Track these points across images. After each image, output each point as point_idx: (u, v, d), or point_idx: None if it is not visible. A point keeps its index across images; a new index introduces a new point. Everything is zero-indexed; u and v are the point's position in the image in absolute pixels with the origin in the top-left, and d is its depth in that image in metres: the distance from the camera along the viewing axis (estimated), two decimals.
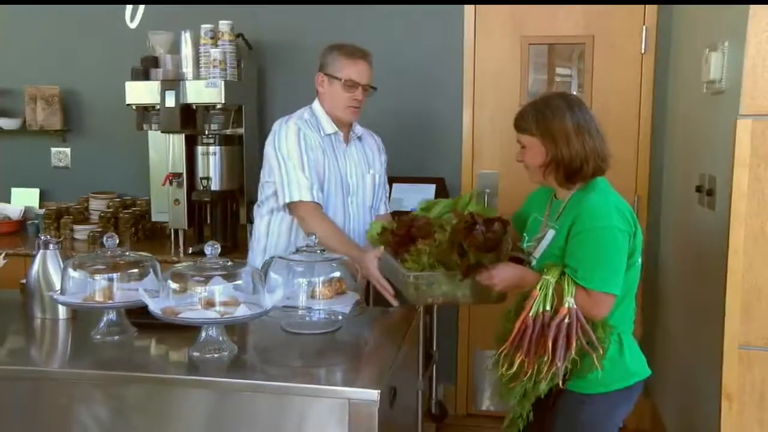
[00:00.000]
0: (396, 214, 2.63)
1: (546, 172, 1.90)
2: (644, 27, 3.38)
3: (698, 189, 2.58)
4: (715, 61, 2.37)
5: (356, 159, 2.61)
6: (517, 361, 1.78)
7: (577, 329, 1.75)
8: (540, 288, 1.78)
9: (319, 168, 2.45)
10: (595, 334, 1.80)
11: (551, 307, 1.77)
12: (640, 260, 1.91)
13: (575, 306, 1.76)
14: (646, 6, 3.37)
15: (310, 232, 2.07)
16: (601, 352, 1.79)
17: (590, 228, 1.80)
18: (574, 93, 3.50)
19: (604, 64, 3.44)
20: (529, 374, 1.79)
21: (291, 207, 2.43)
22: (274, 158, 2.43)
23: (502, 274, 1.83)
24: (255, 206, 2.65)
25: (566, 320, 1.75)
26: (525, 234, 2.07)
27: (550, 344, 1.74)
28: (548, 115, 1.87)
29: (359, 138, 2.66)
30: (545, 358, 1.75)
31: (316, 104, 2.56)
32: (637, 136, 3.44)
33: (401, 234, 2.03)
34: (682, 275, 2.99)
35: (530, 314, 1.77)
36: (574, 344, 1.75)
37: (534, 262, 1.95)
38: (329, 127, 2.51)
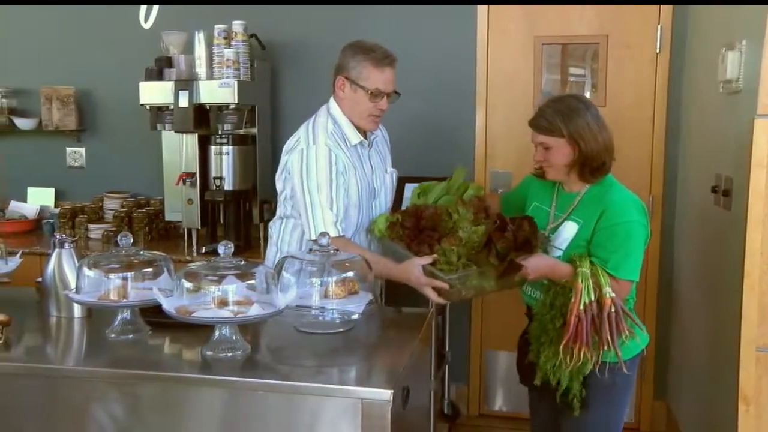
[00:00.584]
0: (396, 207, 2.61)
1: (570, 171, 2.04)
2: (659, 26, 3.36)
3: (714, 189, 2.56)
4: (732, 61, 2.35)
5: (377, 162, 2.52)
6: (580, 352, 1.91)
7: (622, 315, 1.94)
8: (581, 281, 1.92)
9: (350, 187, 2.32)
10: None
11: (595, 298, 1.92)
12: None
13: (614, 295, 1.93)
14: (661, 5, 3.34)
15: None
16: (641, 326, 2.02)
17: (618, 223, 1.97)
18: (588, 93, 3.48)
19: (618, 64, 3.42)
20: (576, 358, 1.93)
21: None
22: (299, 187, 2.28)
23: (534, 266, 1.97)
24: (277, 216, 2.52)
25: (612, 310, 1.92)
26: None
27: (606, 334, 1.91)
28: (572, 116, 1.99)
29: (376, 137, 2.57)
30: (602, 345, 1.92)
31: (335, 110, 2.38)
32: (652, 136, 3.41)
33: (410, 226, 2.09)
34: (697, 276, 2.97)
35: (580, 307, 1.91)
36: (625, 329, 1.93)
37: (555, 252, 2.06)
38: (354, 137, 2.37)
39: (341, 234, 2.26)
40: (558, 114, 2.00)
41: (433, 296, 2.10)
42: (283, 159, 2.40)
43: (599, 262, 1.97)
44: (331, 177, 2.26)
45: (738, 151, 2.27)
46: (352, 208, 2.33)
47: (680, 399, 3.23)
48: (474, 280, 2.00)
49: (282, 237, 2.49)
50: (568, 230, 2.04)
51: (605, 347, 1.92)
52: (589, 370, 1.98)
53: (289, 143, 2.40)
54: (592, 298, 1.91)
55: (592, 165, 2.01)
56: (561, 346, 1.93)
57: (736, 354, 2.16)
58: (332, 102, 2.41)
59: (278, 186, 2.45)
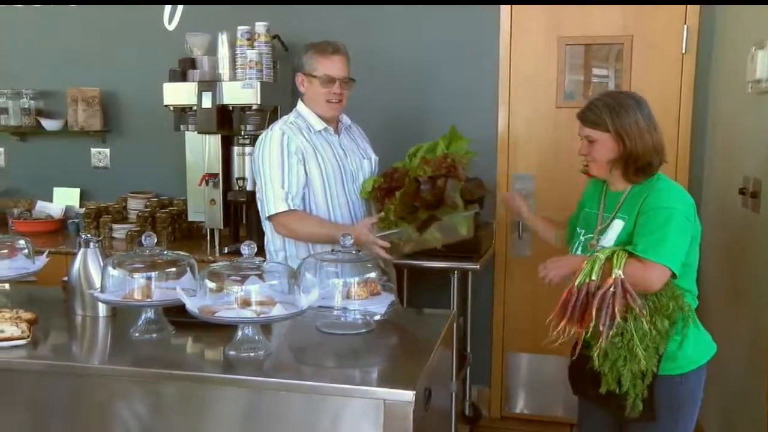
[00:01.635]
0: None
1: (613, 167, 1.99)
2: (685, 26, 3.31)
3: (742, 191, 2.53)
4: (763, 60, 2.31)
5: (351, 147, 2.65)
6: (561, 327, 1.84)
7: (624, 297, 1.80)
8: (587, 262, 1.86)
9: (311, 167, 2.47)
10: (676, 314, 1.88)
11: (597, 278, 1.83)
12: (698, 249, 2.01)
13: (622, 276, 1.81)
14: (688, 5, 3.30)
15: (301, 237, 2.32)
16: (646, 315, 1.84)
17: (655, 207, 1.91)
18: None
19: (642, 65, 3.38)
20: (623, 357, 1.84)
21: (271, 221, 2.49)
22: (258, 172, 2.50)
23: (554, 266, 1.96)
24: (262, 219, 2.62)
25: (611, 289, 1.80)
26: (579, 228, 2.12)
27: (594, 311, 1.79)
28: (622, 113, 1.94)
29: (348, 127, 2.71)
30: (593, 325, 1.81)
31: (300, 105, 2.59)
32: (677, 137, 3.37)
33: (385, 188, 2.26)
34: (724, 277, 2.93)
35: (576, 284, 1.84)
36: (619, 312, 1.79)
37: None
38: (318, 124, 2.54)
39: (292, 208, 2.42)
40: (607, 108, 1.96)
41: (381, 253, 2.24)
42: None
43: (631, 247, 1.89)
44: (282, 157, 2.43)
45: (767, 152, 2.24)
46: (317, 186, 2.49)
47: (706, 401, 3.18)
48: (413, 235, 2.14)
49: (287, 239, 2.55)
50: (615, 228, 1.99)
51: (589, 324, 1.81)
52: (649, 367, 1.86)
53: None
54: (593, 278, 1.83)
55: (636, 164, 1.96)
56: (548, 320, 1.88)
57: (764, 356, 2.12)
58: (299, 101, 2.62)
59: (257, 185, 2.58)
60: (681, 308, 1.90)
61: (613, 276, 1.82)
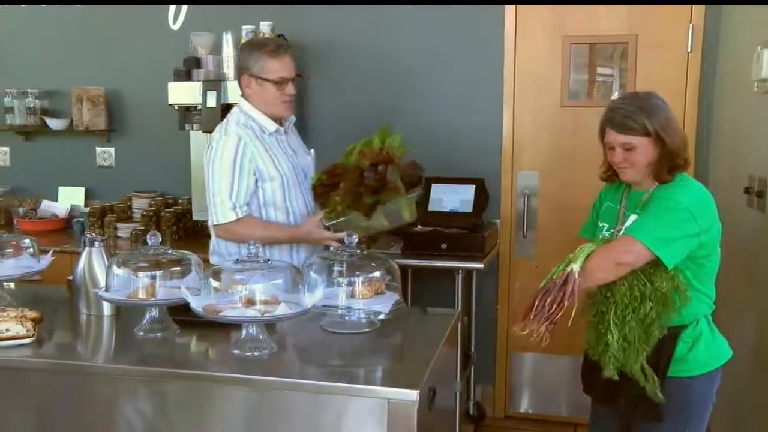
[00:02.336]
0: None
1: (651, 170, 1.95)
2: (691, 25, 3.30)
3: (747, 191, 2.52)
4: None
5: (297, 144, 2.64)
6: (531, 325, 1.87)
7: (561, 291, 1.83)
8: (560, 263, 1.88)
9: (269, 169, 2.44)
10: (674, 303, 1.86)
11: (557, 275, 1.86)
12: (719, 251, 1.98)
13: (576, 270, 1.83)
14: (693, 5, 3.29)
15: (244, 242, 2.24)
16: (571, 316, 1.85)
17: (660, 198, 1.91)
18: (615, 94, 3.45)
19: (647, 64, 3.37)
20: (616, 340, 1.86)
21: (217, 229, 2.47)
22: (207, 176, 2.44)
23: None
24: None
25: (557, 283, 1.84)
26: (600, 221, 2.10)
27: (548, 302, 1.83)
28: (655, 112, 1.93)
29: (292, 125, 2.67)
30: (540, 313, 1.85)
31: (247, 106, 2.49)
32: None
33: (328, 184, 2.33)
34: (728, 277, 2.91)
35: (541, 285, 1.87)
36: (564, 303, 1.82)
37: None
38: (271, 125, 2.48)
39: (240, 216, 2.41)
40: (642, 112, 1.92)
41: (336, 244, 2.29)
42: None
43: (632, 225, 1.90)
44: (234, 164, 2.39)
45: None
46: (276, 188, 2.45)
47: (715, 406, 3.17)
48: (362, 223, 2.24)
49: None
50: (629, 222, 1.96)
51: (541, 316, 1.84)
52: (654, 340, 1.86)
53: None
54: (553, 277, 1.86)
55: (672, 162, 1.93)
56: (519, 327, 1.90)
57: None
58: (242, 101, 2.52)
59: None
60: (677, 288, 1.87)
61: (567, 271, 1.84)
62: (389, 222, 2.32)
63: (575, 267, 1.85)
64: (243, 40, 3.38)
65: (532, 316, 1.86)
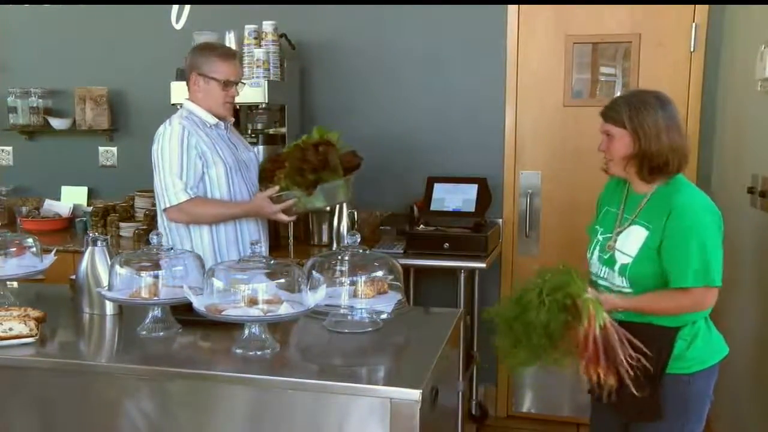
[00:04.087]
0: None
1: (628, 165, 1.96)
2: (694, 24, 3.30)
3: (750, 190, 2.51)
4: None
5: (237, 140, 2.73)
6: (597, 372, 1.80)
7: (624, 339, 1.80)
8: (592, 306, 1.80)
9: (214, 161, 2.53)
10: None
11: (604, 322, 1.80)
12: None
13: (609, 321, 1.80)
14: (696, 4, 3.28)
15: (204, 220, 2.51)
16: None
17: (681, 228, 1.87)
18: (618, 93, 3.44)
19: (650, 63, 3.37)
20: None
21: (171, 211, 2.52)
22: (156, 164, 2.53)
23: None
24: (159, 214, 2.64)
25: (615, 334, 1.80)
26: (598, 226, 2.09)
27: (621, 354, 1.78)
28: (641, 110, 1.92)
29: (231, 124, 2.75)
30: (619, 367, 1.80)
31: (190, 104, 2.61)
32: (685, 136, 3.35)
33: (270, 168, 2.61)
34: (730, 276, 2.91)
35: (597, 332, 1.79)
36: (630, 351, 1.79)
37: (623, 259, 1.95)
38: (210, 119, 2.59)
39: (192, 196, 2.50)
40: (626, 104, 1.94)
41: (283, 218, 2.54)
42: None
43: (668, 271, 1.88)
44: (182, 149, 2.49)
45: None
46: (221, 177, 2.55)
47: (717, 405, 3.17)
48: (303, 200, 2.49)
49: (216, 232, 2.58)
50: (636, 236, 1.95)
51: (623, 364, 1.79)
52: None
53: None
54: (602, 323, 1.80)
55: (651, 163, 1.92)
56: (581, 369, 1.83)
57: None
58: (185, 102, 2.64)
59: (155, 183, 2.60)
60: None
61: (607, 322, 1.79)
62: (327, 201, 2.56)
63: (606, 317, 1.80)
64: (246, 40, 3.39)
65: (619, 370, 1.80)
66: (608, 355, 1.80)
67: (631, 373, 1.79)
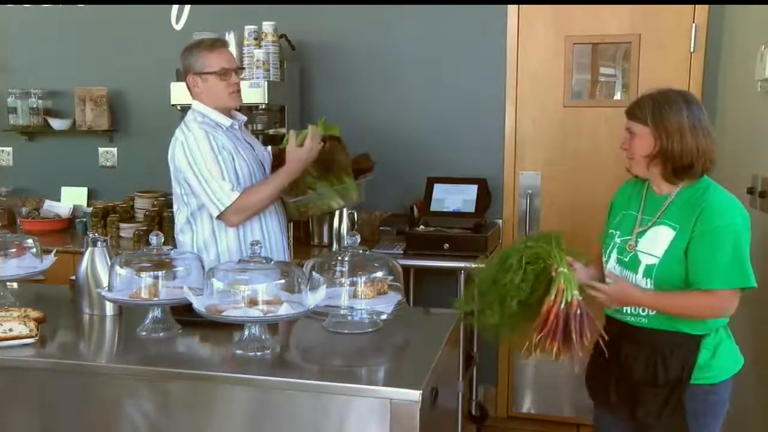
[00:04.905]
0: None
1: (651, 164, 1.92)
2: (694, 25, 3.30)
3: (750, 191, 2.51)
4: None
5: (251, 140, 2.69)
6: (552, 348, 1.82)
7: (586, 320, 1.80)
8: (563, 281, 1.82)
9: (239, 162, 2.48)
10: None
11: (571, 299, 1.81)
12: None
13: (579, 298, 1.81)
14: (696, 4, 3.28)
15: (261, 206, 2.46)
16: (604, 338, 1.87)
17: (712, 229, 1.83)
18: (618, 94, 3.44)
19: (650, 64, 3.37)
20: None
21: (228, 214, 2.44)
22: (191, 174, 2.43)
23: (614, 294, 1.88)
24: (184, 222, 2.59)
25: (578, 312, 1.80)
26: (614, 230, 2.04)
27: (574, 335, 1.79)
28: (665, 109, 1.88)
29: (242, 123, 2.70)
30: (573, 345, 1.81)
31: (198, 106, 2.53)
32: None
33: (275, 165, 2.58)
34: None
35: (561, 306, 1.81)
36: (587, 334, 1.80)
37: (649, 260, 1.91)
38: (225, 120, 2.53)
39: (241, 192, 2.42)
40: (651, 102, 1.90)
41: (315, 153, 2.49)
42: (171, 161, 2.54)
43: (693, 271, 1.84)
44: (214, 153, 2.42)
45: None
46: (245, 178, 2.49)
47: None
48: (318, 202, 2.52)
49: (218, 235, 2.52)
50: (663, 236, 1.89)
51: (576, 346, 1.80)
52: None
53: (170, 149, 2.55)
54: (569, 299, 1.81)
55: (675, 164, 1.88)
56: (535, 340, 1.84)
57: None
58: (194, 102, 2.57)
59: (176, 191, 2.57)
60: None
61: (575, 299, 1.80)
62: (344, 201, 2.59)
63: (576, 294, 1.81)
64: (246, 40, 3.39)
65: (576, 347, 1.81)
66: (565, 332, 1.80)
67: (581, 355, 1.80)
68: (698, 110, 1.90)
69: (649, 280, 1.89)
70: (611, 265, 1.99)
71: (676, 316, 1.87)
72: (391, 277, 1.98)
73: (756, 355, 2.54)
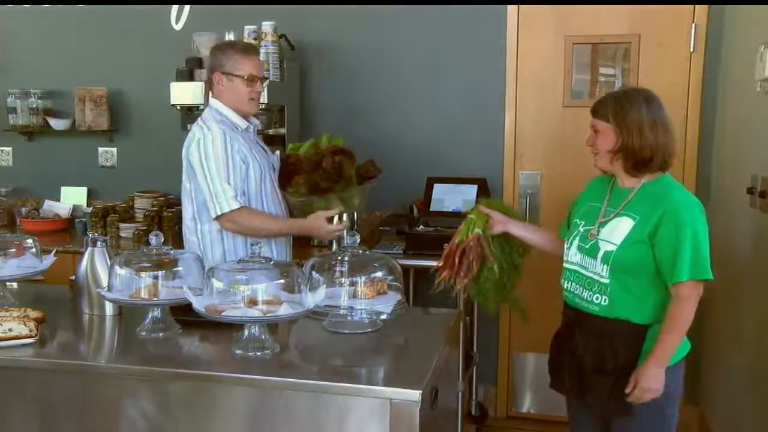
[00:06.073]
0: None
1: (614, 159, 2.03)
2: (694, 25, 3.30)
3: (750, 191, 2.52)
4: None
5: (262, 144, 2.72)
6: (444, 276, 2.20)
7: (479, 250, 2.19)
8: (466, 224, 2.22)
9: (253, 165, 2.51)
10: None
11: (470, 235, 2.20)
12: None
13: (480, 233, 2.20)
14: (696, 4, 3.29)
15: (256, 233, 2.46)
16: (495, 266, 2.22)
17: (678, 225, 1.91)
18: None
19: (650, 64, 3.37)
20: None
21: (222, 218, 2.47)
22: (200, 171, 2.46)
23: (648, 384, 1.94)
24: (190, 218, 2.60)
25: (471, 244, 2.18)
26: (578, 219, 2.14)
27: (456, 260, 2.18)
28: (626, 105, 1.99)
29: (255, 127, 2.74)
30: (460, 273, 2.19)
31: (217, 104, 2.55)
32: (685, 136, 3.35)
33: (283, 171, 2.63)
34: (731, 279, 2.91)
35: (456, 242, 2.21)
36: (474, 267, 2.18)
37: (607, 247, 2.00)
38: (241, 122, 2.57)
39: (242, 205, 2.46)
40: (613, 100, 2.02)
41: (336, 235, 2.57)
42: (185, 157, 2.54)
43: (664, 264, 1.93)
44: (227, 155, 2.45)
45: None
46: (257, 181, 2.53)
47: (714, 406, 3.17)
48: (321, 203, 2.53)
49: (225, 233, 2.53)
50: (623, 226, 2.00)
51: (462, 276, 2.17)
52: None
53: (186, 143, 2.55)
54: (466, 237, 2.19)
55: (635, 158, 1.98)
56: (432, 270, 2.24)
57: None
58: (212, 100, 2.59)
59: (186, 186, 2.58)
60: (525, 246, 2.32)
61: (474, 233, 2.17)
62: (346, 206, 2.61)
63: (479, 231, 2.18)
64: (246, 40, 3.39)
65: (462, 273, 2.17)
66: (461, 262, 2.16)
67: (466, 281, 2.18)
68: (658, 108, 2.01)
69: (606, 266, 1.99)
70: (573, 250, 2.10)
71: (682, 332, 1.95)
72: (390, 277, 1.98)
73: (757, 350, 2.55)
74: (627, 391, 1.95)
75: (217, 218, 2.47)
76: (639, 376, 1.93)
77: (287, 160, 2.62)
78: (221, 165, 2.44)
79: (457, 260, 2.18)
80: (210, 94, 2.61)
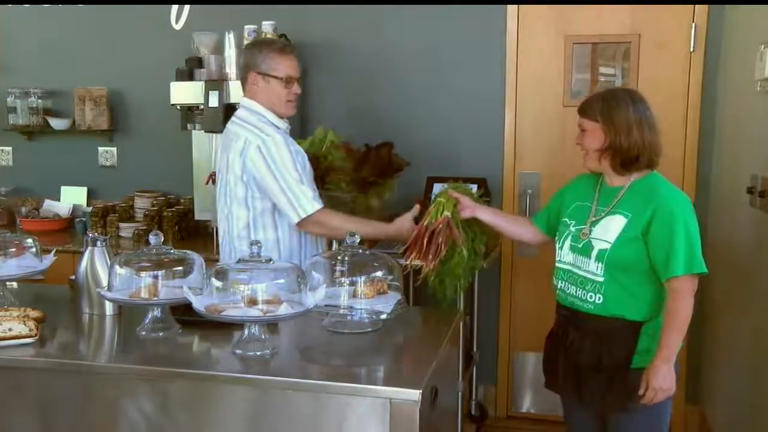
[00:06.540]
0: None
1: (602, 158, 2.06)
2: (693, 25, 3.30)
3: (750, 190, 2.51)
4: None
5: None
6: (412, 257, 2.23)
7: (448, 233, 2.21)
8: (435, 206, 2.24)
9: (307, 165, 2.49)
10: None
11: (438, 218, 2.22)
12: None
13: (449, 216, 2.22)
14: (696, 4, 3.28)
15: (340, 234, 2.27)
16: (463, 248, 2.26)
17: (669, 222, 1.94)
18: None
19: (650, 63, 3.37)
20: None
21: (306, 221, 2.38)
22: (271, 178, 2.36)
23: (659, 383, 1.94)
24: (243, 226, 2.47)
25: (440, 226, 2.20)
26: (567, 219, 2.15)
27: (425, 242, 2.20)
28: (613, 105, 2.02)
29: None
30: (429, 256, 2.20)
31: (255, 106, 2.45)
32: (684, 136, 3.35)
33: (320, 168, 2.68)
34: (731, 279, 2.91)
35: (424, 224, 2.23)
36: (442, 249, 2.19)
37: (601, 245, 2.02)
38: (281, 123, 2.48)
39: (322, 206, 2.39)
40: (600, 100, 2.05)
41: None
42: (237, 162, 2.40)
43: (658, 260, 1.94)
44: (293, 157, 2.39)
45: None
46: (311, 183, 2.47)
47: (715, 405, 3.17)
48: (359, 198, 2.65)
49: (303, 239, 2.49)
50: (615, 223, 2.02)
51: (430, 259, 2.18)
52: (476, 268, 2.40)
53: (235, 146, 2.41)
54: (434, 219, 2.21)
55: (623, 156, 2.01)
56: (401, 251, 2.30)
57: None
58: (247, 101, 2.47)
59: (237, 194, 2.44)
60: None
61: (443, 216, 2.20)
62: (380, 200, 2.72)
63: (448, 213, 2.20)
64: (246, 40, 3.39)
65: (431, 256, 2.19)
66: (430, 244, 2.18)
67: (434, 264, 2.19)
68: (644, 107, 2.04)
69: (600, 264, 2.01)
70: (565, 250, 2.11)
71: (683, 327, 1.95)
72: (390, 277, 1.98)
73: (756, 350, 2.55)
74: (640, 393, 1.96)
75: (300, 223, 2.37)
76: (650, 377, 1.94)
77: (318, 157, 2.60)
78: (291, 168, 2.35)
79: (425, 242, 2.19)
80: (243, 93, 2.51)
